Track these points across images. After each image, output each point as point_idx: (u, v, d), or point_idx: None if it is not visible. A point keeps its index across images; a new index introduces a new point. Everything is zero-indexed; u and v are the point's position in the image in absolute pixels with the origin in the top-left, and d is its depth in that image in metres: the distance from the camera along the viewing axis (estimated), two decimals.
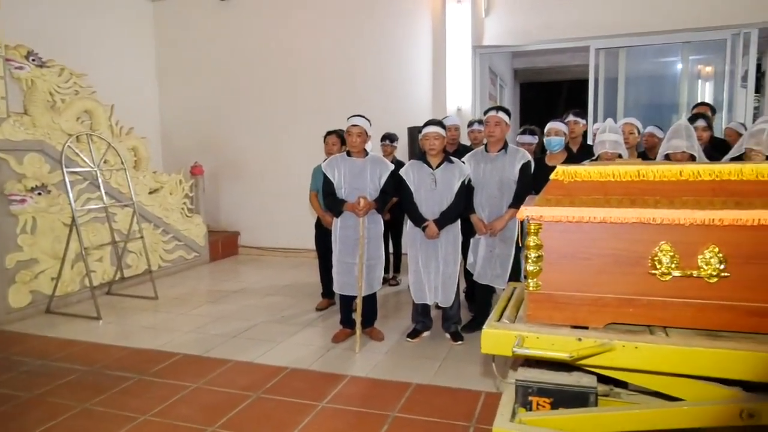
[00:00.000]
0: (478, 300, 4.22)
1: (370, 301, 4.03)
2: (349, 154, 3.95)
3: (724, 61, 5.84)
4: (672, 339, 1.85)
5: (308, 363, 3.65)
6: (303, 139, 7.12)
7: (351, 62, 6.95)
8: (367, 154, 3.97)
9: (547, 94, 12.14)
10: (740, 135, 4.95)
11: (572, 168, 2.04)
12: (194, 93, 7.78)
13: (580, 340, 1.89)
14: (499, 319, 2.15)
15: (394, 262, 5.87)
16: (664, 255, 1.89)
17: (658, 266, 1.89)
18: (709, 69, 6.43)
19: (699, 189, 1.89)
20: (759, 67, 6.16)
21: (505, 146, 3.84)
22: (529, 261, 2.03)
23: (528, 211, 1.99)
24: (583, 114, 4.56)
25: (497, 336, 1.98)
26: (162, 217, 6.28)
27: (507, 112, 3.81)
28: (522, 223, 3.85)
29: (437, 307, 4.15)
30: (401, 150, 6.04)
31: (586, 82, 6.55)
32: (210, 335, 4.26)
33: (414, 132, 6.31)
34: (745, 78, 6.19)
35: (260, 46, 7.36)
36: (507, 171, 3.79)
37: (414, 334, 4.04)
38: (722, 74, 5.98)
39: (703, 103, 4.75)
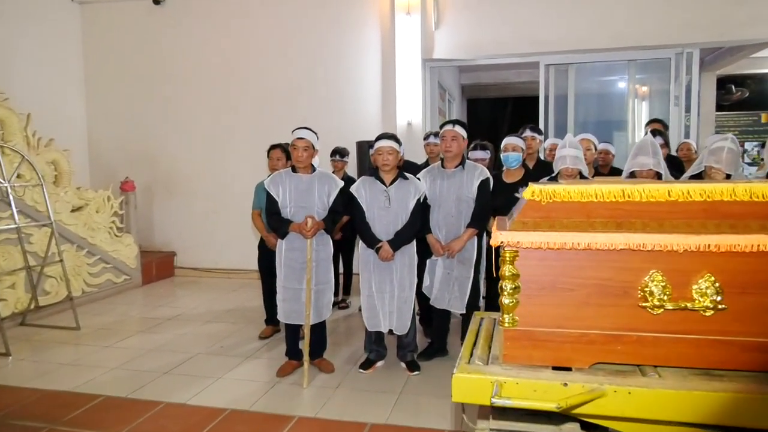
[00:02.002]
0: (435, 325, 3.97)
1: (318, 330, 3.69)
2: (294, 169, 3.62)
3: (668, 80, 5.92)
4: (667, 381, 1.64)
5: (250, 402, 3.26)
6: (245, 153, 6.73)
7: (296, 74, 6.64)
8: (314, 169, 3.66)
9: (492, 111, 12.24)
10: (690, 151, 4.99)
11: (550, 187, 1.81)
12: (125, 102, 7.23)
13: (565, 385, 1.64)
14: (469, 359, 1.88)
15: (344, 283, 5.56)
16: (655, 285, 1.68)
17: (650, 298, 1.68)
18: (646, 88, 6.53)
19: (690, 211, 1.70)
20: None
21: (462, 162, 3.63)
22: (505, 293, 1.78)
23: (503, 236, 1.75)
24: (539, 129, 4.44)
25: (471, 383, 1.71)
26: (86, 238, 5.70)
27: (464, 126, 3.60)
28: (490, 248, 3.69)
29: (390, 332, 3.85)
30: (350, 165, 5.76)
31: (531, 98, 6.57)
32: (139, 372, 3.79)
33: (363, 147, 6.06)
34: (679, 97, 6.35)
35: (199, 54, 6.93)
36: (465, 188, 3.57)
37: (367, 364, 3.74)
38: (666, 93, 6.07)
39: (656, 120, 4.75)
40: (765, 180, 2.33)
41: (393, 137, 3.59)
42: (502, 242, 1.75)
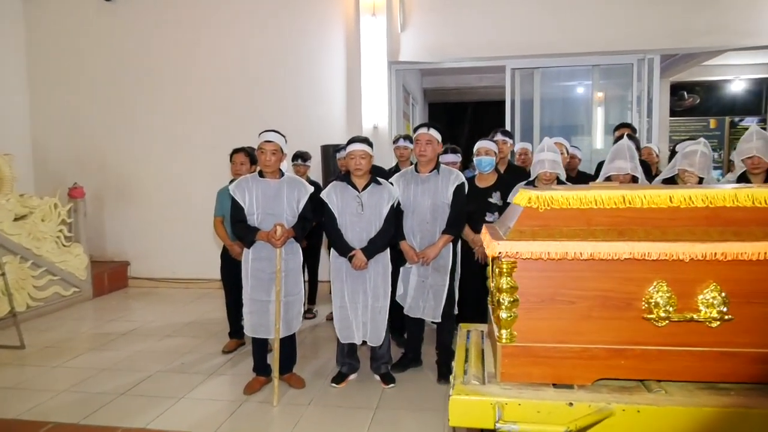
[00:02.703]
0: (409, 335, 3.83)
1: (288, 343, 3.50)
2: (261, 174, 3.43)
3: (630, 86, 6.02)
4: (676, 398, 1.56)
5: (216, 424, 3.04)
6: (204, 158, 6.45)
7: (257, 75, 6.41)
8: (282, 174, 3.47)
9: (453, 115, 12.25)
10: (651, 155, 5.05)
11: (547, 193, 1.71)
12: (74, 103, 6.81)
13: (571, 405, 1.54)
14: (463, 377, 1.75)
15: (309, 292, 5.36)
16: (660, 296, 1.60)
17: (655, 309, 1.60)
18: (609, 94, 6.63)
19: (692, 217, 1.63)
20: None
21: (437, 166, 3.52)
22: (503, 307, 1.66)
23: (501, 246, 1.63)
24: (510, 133, 4.39)
25: (470, 405, 1.59)
26: (31, 248, 5.30)
27: (438, 129, 3.49)
28: (477, 259, 3.59)
29: (364, 344, 3.70)
30: (314, 170, 5.58)
31: (492, 103, 6.55)
32: (91, 394, 3.49)
33: (328, 151, 5.89)
34: (641, 102, 6.46)
35: (153, 54, 6.60)
36: (440, 194, 3.46)
37: (339, 378, 3.57)
38: (627, 98, 6.17)
39: (625, 124, 4.78)
40: (765, 185, 2.30)
41: (365, 140, 3.44)
42: (500, 253, 1.63)
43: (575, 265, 1.64)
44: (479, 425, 1.56)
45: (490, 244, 1.67)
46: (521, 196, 1.80)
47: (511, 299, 1.66)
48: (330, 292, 6.01)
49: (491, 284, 1.98)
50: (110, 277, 6.48)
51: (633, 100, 5.94)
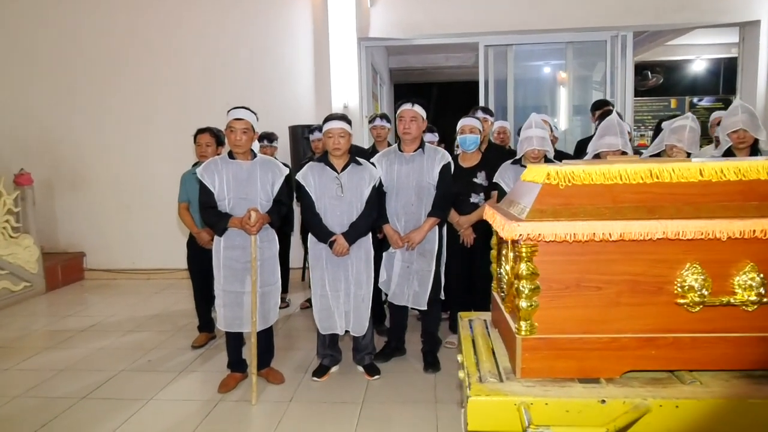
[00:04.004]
0: (392, 323, 3.66)
1: (265, 336, 3.27)
2: (231, 155, 3.16)
3: (603, 64, 5.95)
4: (714, 389, 1.43)
5: (190, 428, 2.80)
6: (166, 140, 6.08)
7: (218, 53, 6.05)
8: (254, 155, 3.21)
9: (418, 96, 12.06)
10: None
11: (567, 168, 1.55)
12: (18, 87, 6.28)
13: (603, 402, 1.39)
14: (478, 375, 1.59)
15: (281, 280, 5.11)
16: (695, 279, 1.46)
17: (689, 294, 1.46)
18: (580, 72, 6.57)
19: (725, 192, 1.49)
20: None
21: (421, 145, 3.33)
22: (522, 296, 1.50)
23: (522, 228, 1.46)
24: (491, 111, 4.24)
25: (492, 407, 1.42)
26: None
27: (423, 105, 3.29)
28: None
29: (347, 333, 3.51)
30: (282, 151, 5.31)
31: (457, 84, 6.34)
32: (49, 399, 3.19)
33: (296, 131, 5.63)
34: (612, 80, 6.43)
35: (108, 33, 6.13)
36: (425, 174, 3.27)
37: (321, 371, 3.37)
38: (600, 76, 6.11)
39: (604, 101, 4.68)
40: None
41: (343, 117, 3.21)
42: (520, 236, 1.46)
43: (602, 247, 1.49)
44: (504, 429, 1.40)
45: (508, 226, 1.50)
46: (536, 172, 1.63)
47: (532, 287, 1.49)
48: (302, 279, 5.88)
49: (502, 269, 1.82)
50: (64, 269, 6.06)
51: (607, 79, 5.87)
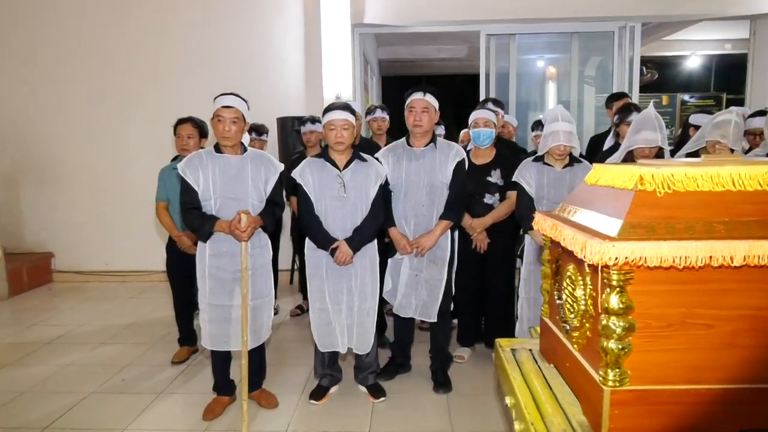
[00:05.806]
0: (397, 336, 3.30)
1: (256, 355, 2.89)
2: (218, 149, 2.76)
3: (611, 56, 5.66)
4: None
5: None
6: (143, 133, 5.64)
7: (202, 40, 5.61)
8: (245, 149, 2.82)
9: (406, 88, 11.71)
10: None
11: (666, 170, 1.20)
12: None
13: None
14: None
15: None
16: None
17: None
18: (588, 64, 6.28)
19: None
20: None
21: (433, 139, 2.97)
22: (613, 337, 1.15)
23: (616, 249, 1.10)
24: (501, 103, 3.90)
25: None
26: None
27: (435, 95, 2.92)
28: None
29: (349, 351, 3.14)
30: (271, 145, 4.91)
31: (446, 77, 6.01)
32: (6, 430, 2.77)
33: (286, 123, 5.24)
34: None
35: (78, 13, 5.63)
36: (438, 172, 2.91)
37: (320, 392, 2.99)
38: (608, 69, 5.82)
39: (622, 93, 4.37)
40: None
41: (347, 107, 2.83)
42: (614, 258, 1.11)
43: (715, 274, 1.15)
44: None
45: (595, 247, 1.14)
46: (621, 174, 1.28)
47: (626, 325, 1.14)
48: (290, 282, 5.48)
49: (565, 293, 1.47)
50: (30, 271, 5.58)
51: (614, 71, 5.58)
